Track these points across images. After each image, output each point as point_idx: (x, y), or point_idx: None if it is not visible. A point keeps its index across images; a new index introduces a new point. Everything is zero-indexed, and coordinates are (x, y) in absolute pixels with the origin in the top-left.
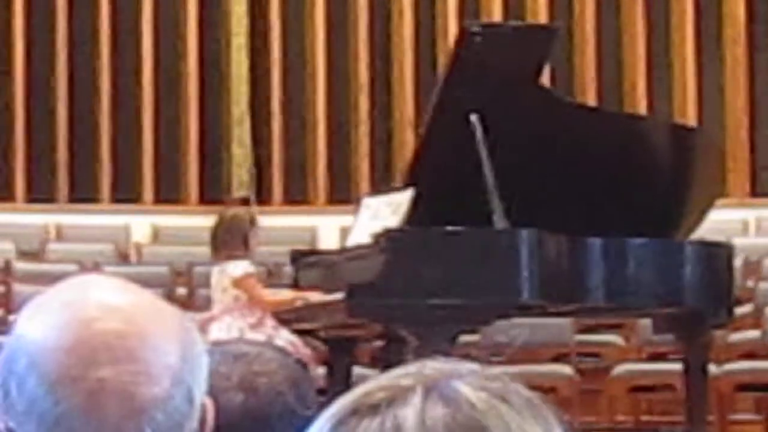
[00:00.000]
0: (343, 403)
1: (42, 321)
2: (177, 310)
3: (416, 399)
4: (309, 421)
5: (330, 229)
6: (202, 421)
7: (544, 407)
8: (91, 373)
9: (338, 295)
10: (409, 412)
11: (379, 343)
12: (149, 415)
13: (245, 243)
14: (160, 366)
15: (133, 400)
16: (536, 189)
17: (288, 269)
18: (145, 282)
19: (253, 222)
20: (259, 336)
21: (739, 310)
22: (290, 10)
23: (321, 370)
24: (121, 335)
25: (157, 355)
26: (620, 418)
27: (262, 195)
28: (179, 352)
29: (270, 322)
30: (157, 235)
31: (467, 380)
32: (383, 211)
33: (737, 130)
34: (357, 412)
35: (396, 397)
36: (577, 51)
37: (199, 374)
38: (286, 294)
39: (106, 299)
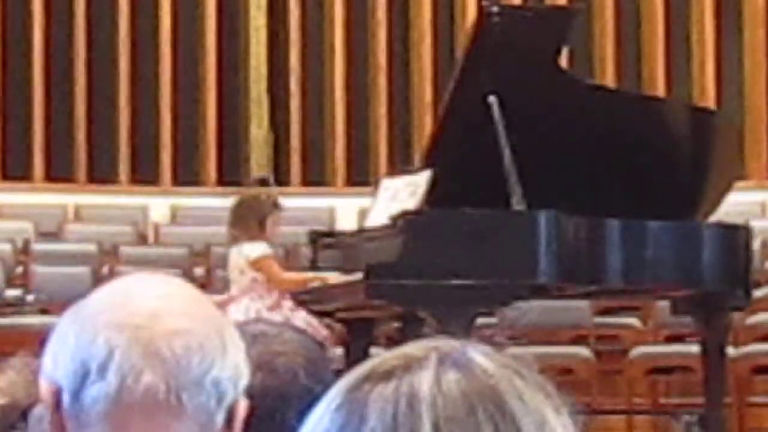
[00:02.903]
0: (356, 371)
1: (89, 298)
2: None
3: (431, 365)
4: None
5: (348, 210)
6: (231, 412)
7: (554, 391)
8: (128, 302)
9: (356, 276)
10: (424, 377)
11: (396, 324)
12: (182, 339)
13: (261, 225)
14: (198, 311)
15: (167, 324)
16: (555, 171)
17: (306, 250)
18: (163, 263)
19: (276, 205)
20: (276, 317)
21: (758, 293)
22: None
23: (339, 351)
24: (163, 293)
25: (197, 306)
26: (638, 400)
27: (280, 176)
28: (222, 321)
29: (287, 304)
30: (175, 216)
31: (480, 351)
32: (401, 193)
33: (756, 113)
34: (371, 378)
35: (410, 364)
36: (596, 32)
37: (235, 358)
38: (303, 274)
39: (154, 285)
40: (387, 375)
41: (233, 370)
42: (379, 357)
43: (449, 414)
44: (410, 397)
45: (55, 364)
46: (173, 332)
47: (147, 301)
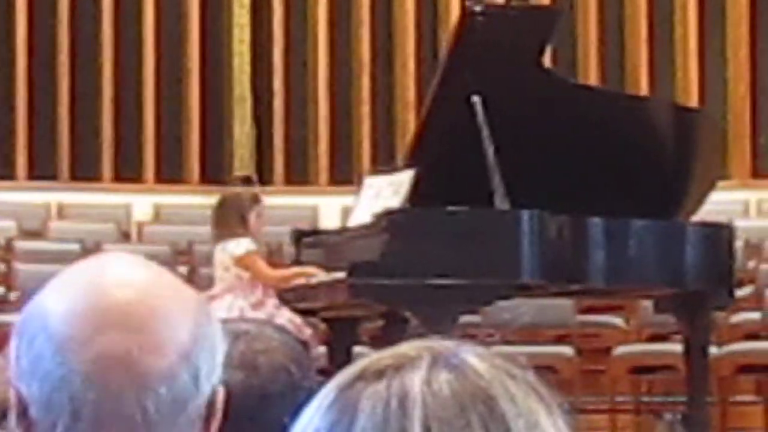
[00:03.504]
0: (348, 370)
1: (59, 289)
2: (196, 292)
3: (423, 365)
4: (310, 397)
5: (331, 209)
6: (211, 406)
7: (546, 391)
8: (98, 337)
9: (340, 275)
10: (415, 377)
11: (380, 322)
12: (152, 387)
13: (243, 222)
14: (169, 340)
15: (137, 369)
16: (538, 170)
17: (289, 249)
18: None
19: (256, 200)
20: (260, 315)
21: (740, 292)
22: None
23: (322, 350)
24: (133, 305)
25: (168, 329)
26: (621, 398)
27: (263, 175)
28: (191, 331)
29: (271, 302)
30: (158, 214)
31: (473, 352)
32: (385, 191)
33: (739, 112)
34: (363, 377)
35: (403, 364)
36: (580, 32)
37: (210, 356)
38: (288, 270)
39: (123, 273)
40: (379, 374)
41: (207, 385)
42: (372, 356)
43: (440, 415)
44: (401, 397)
45: (22, 384)
46: (143, 377)
47: (117, 334)
